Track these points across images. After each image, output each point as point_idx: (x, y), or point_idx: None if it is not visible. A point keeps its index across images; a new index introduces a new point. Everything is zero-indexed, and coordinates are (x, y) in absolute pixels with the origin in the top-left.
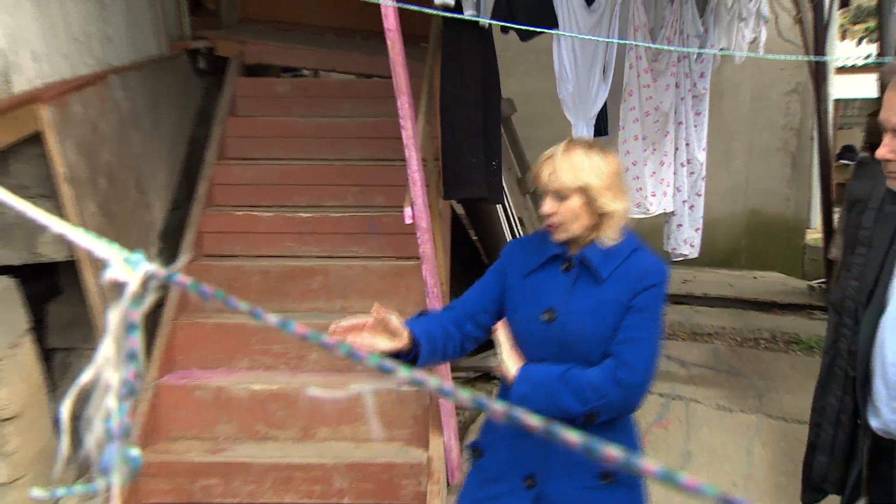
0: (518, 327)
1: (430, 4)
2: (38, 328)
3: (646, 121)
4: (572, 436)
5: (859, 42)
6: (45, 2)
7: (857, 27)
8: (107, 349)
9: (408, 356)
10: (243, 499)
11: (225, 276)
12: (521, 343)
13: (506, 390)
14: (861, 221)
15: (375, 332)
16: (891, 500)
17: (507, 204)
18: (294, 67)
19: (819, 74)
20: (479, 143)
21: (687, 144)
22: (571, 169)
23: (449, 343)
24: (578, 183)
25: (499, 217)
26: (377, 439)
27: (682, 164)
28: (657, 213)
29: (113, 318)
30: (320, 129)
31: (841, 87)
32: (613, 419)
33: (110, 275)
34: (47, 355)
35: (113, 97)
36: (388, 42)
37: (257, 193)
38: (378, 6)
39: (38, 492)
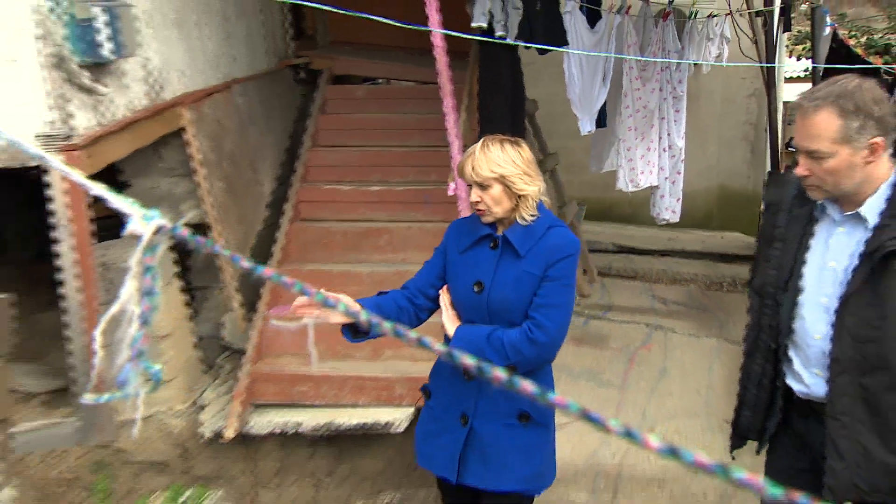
0: (456, 295)
1: (470, 27)
2: (183, 272)
3: (636, 116)
4: (499, 373)
5: (799, 58)
6: (187, 35)
7: (798, 47)
8: (129, 288)
9: (364, 327)
10: (329, 399)
11: (316, 234)
12: (459, 308)
13: (447, 344)
14: (776, 221)
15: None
16: (799, 441)
17: None
18: (370, 77)
19: (770, 82)
20: (508, 132)
21: (668, 134)
22: (489, 162)
23: (402, 314)
24: (496, 173)
25: None
26: (426, 358)
27: (665, 149)
28: (645, 188)
29: (133, 263)
30: (389, 123)
31: (787, 93)
32: (532, 370)
33: (130, 228)
34: (189, 292)
35: (234, 101)
36: (436, 56)
37: (340, 172)
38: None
39: (87, 398)
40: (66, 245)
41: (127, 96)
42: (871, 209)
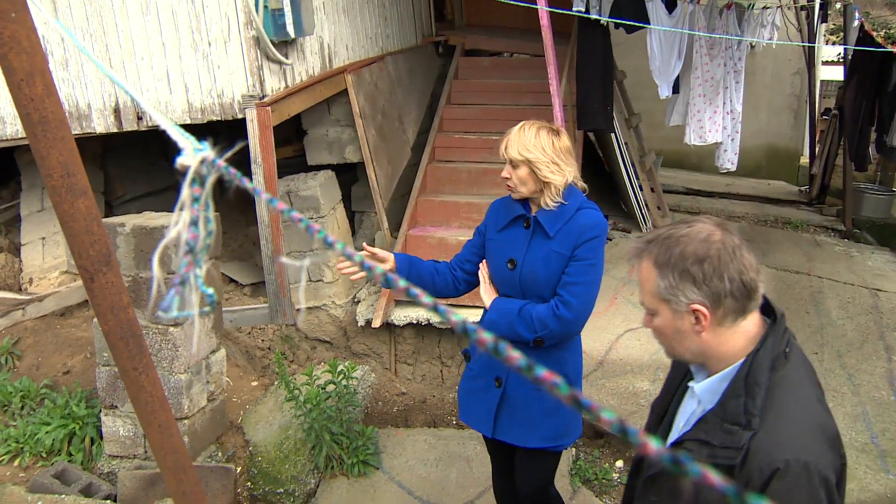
0: (492, 271)
1: (570, 10)
2: (346, 200)
3: (705, 85)
4: (514, 354)
5: (833, 44)
6: (353, 18)
7: (832, 37)
8: (181, 216)
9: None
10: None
11: (447, 173)
12: (495, 282)
13: (485, 314)
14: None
15: (371, 260)
16: None
17: (617, 134)
18: (495, 51)
19: (811, 63)
20: (600, 95)
21: (731, 100)
22: (520, 145)
23: (437, 277)
24: (524, 157)
25: (613, 142)
26: None
27: (728, 112)
28: (711, 143)
29: (184, 193)
30: (506, 87)
31: (824, 73)
32: (559, 342)
33: (181, 160)
34: (351, 215)
35: (387, 69)
36: (543, 32)
37: (467, 124)
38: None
39: (165, 314)
40: (259, 177)
41: (305, 65)
42: (704, 391)
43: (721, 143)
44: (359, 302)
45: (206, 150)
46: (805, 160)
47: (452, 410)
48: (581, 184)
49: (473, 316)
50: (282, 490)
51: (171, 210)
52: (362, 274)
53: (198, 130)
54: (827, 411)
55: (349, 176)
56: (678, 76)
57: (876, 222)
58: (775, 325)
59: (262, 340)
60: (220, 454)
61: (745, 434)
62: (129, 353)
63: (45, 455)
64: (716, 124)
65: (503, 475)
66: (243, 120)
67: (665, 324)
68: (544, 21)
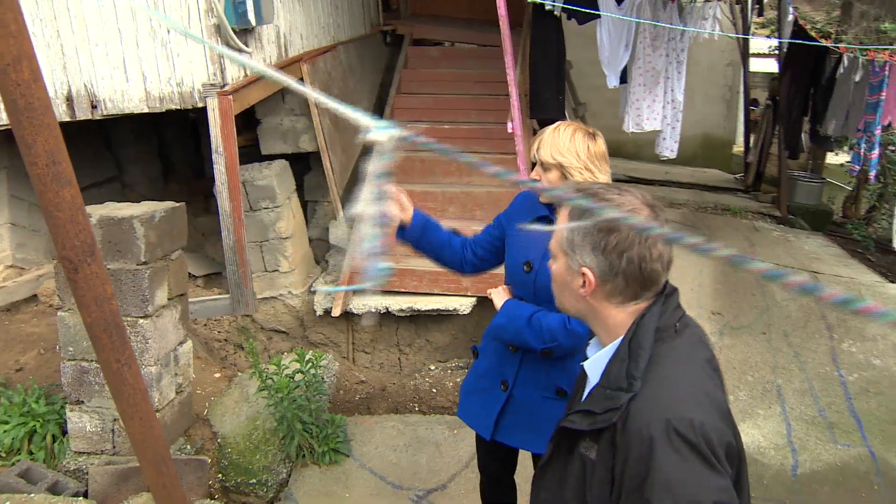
0: (509, 269)
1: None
2: (299, 190)
3: (646, 75)
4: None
5: (768, 37)
6: (307, 8)
7: (764, 30)
8: (366, 191)
9: (406, 228)
10: (410, 288)
11: (400, 161)
12: (511, 283)
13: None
14: None
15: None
16: None
17: None
18: (440, 41)
19: (744, 55)
20: (552, 84)
21: (672, 90)
22: (553, 148)
23: (446, 249)
24: (556, 160)
25: None
26: None
27: (669, 102)
28: (650, 130)
29: (370, 168)
30: (456, 76)
31: (753, 65)
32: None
33: (370, 136)
34: (304, 204)
35: (339, 58)
36: (500, 22)
37: (418, 113)
38: (492, 3)
39: (323, 287)
40: (221, 166)
41: (263, 54)
42: (593, 365)
43: (661, 131)
44: (315, 291)
45: (393, 128)
46: (738, 149)
47: (414, 397)
48: None
49: (433, 303)
50: (254, 481)
51: (118, 200)
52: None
53: (141, 120)
54: (719, 388)
55: (301, 165)
56: (626, 66)
57: (808, 208)
58: (662, 297)
59: (219, 332)
60: (189, 447)
61: (624, 396)
62: (113, 346)
63: (3, 455)
64: (654, 112)
65: (493, 480)
66: (204, 109)
67: (558, 273)
68: (502, 11)
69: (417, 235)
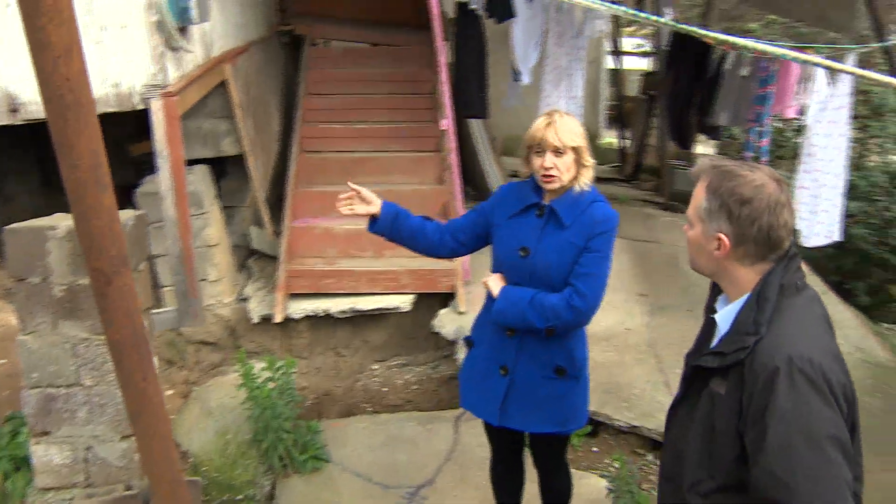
0: (502, 257)
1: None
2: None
3: (553, 73)
4: None
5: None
6: (223, 5)
7: (628, 28)
8: None
9: (377, 220)
10: (350, 290)
11: (318, 163)
12: (505, 270)
13: (491, 302)
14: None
15: (357, 200)
16: None
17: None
18: (339, 40)
19: (617, 54)
20: (476, 83)
21: (574, 87)
22: (569, 132)
23: (419, 236)
24: (574, 143)
25: (473, 127)
26: (420, 256)
27: (571, 98)
28: None
29: None
30: (363, 75)
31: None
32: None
33: None
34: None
35: (254, 57)
36: (432, 20)
37: (330, 114)
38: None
39: None
40: (166, 171)
41: (195, 54)
42: (724, 318)
43: None
44: (247, 299)
45: None
46: (602, 141)
47: (364, 398)
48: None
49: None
50: (241, 496)
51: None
52: (356, 212)
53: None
54: (833, 339)
55: (217, 170)
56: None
57: (687, 194)
58: (787, 258)
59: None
60: None
61: (751, 339)
62: (141, 362)
63: None
64: (561, 108)
65: (505, 462)
66: (145, 111)
67: (695, 237)
68: (435, 10)
69: (388, 226)
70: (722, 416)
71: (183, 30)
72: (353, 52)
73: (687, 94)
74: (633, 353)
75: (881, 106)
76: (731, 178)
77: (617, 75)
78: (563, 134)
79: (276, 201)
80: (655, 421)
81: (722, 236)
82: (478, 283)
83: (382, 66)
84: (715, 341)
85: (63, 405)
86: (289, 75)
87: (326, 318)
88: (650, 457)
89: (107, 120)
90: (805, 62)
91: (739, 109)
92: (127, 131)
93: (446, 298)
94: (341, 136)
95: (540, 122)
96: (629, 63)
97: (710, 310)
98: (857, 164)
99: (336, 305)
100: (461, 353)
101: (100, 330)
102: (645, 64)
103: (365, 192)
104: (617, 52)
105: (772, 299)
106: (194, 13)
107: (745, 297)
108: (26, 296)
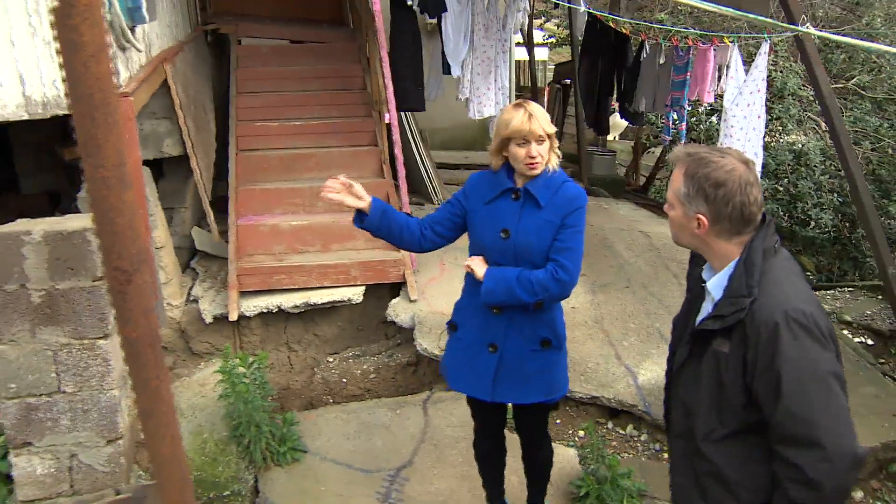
0: (483, 241)
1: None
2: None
3: (482, 65)
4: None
5: (541, 27)
6: (157, 10)
7: (537, 20)
8: None
9: (366, 215)
10: (301, 284)
11: (257, 162)
12: (486, 252)
13: (472, 284)
14: (691, 273)
15: (346, 192)
16: None
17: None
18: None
19: (529, 45)
20: (412, 76)
21: (501, 77)
22: (545, 120)
23: (405, 232)
24: (550, 130)
25: (403, 120)
26: (367, 248)
27: (499, 88)
28: (487, 116)
29: None
30: (292, 73)
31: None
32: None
33: None
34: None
35: (187, 57)
36: (375, 17)
37: (263, 112)
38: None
39: None
40: None
41: (139, 54)
42: (715, 286)
43: (495, 116)
44: (197, 300)
45: None
46: None
47: (325, 390)
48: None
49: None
50: (227, 492)
51: None
52: (344, 202)
53: None
54: (811, 290)
55: (154, 173)
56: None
57: (605, 179)
58: (764, 225)
59: None
60: (143, 473)
61: (747, 300)
62: (155, 360)
63: None
64: (489, 100)
65: (491, 437)
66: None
67: (676, 217)
68: (377, 6)
69: (377, 221)
70: (728, 371)
71: (132, 29)
72: (279, 51)
73: (605, 82)
74: (582, 329)
75: (782, 89)
76: (706, 165)
77: (532, 67)
78: (544, 123)
79: (215, 201)
80: (612, 391)
81: (701, 216)
82: (423, 272)
83: (310, 63)
84: (709, 306)
85: (44, 414)
86: (215, 75)
87: (278, 315)
88: (610, 424)
89: (29, 125)
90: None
91: (657, 95)
92: (49, 135)
93: (393, 289)
94: (277, 133)
95: (520, 116)
96: (539, 55)
97: (697, 279)
98: (764, 145)
99: (289, 300)
100: (423, 340)
101: (82, 334)
102: (546, 55)
103: (356, 186)
104: (529, 44)
105: (758, 263)
106: (145, 13)
107: (732, 265)
108: (2, 304)
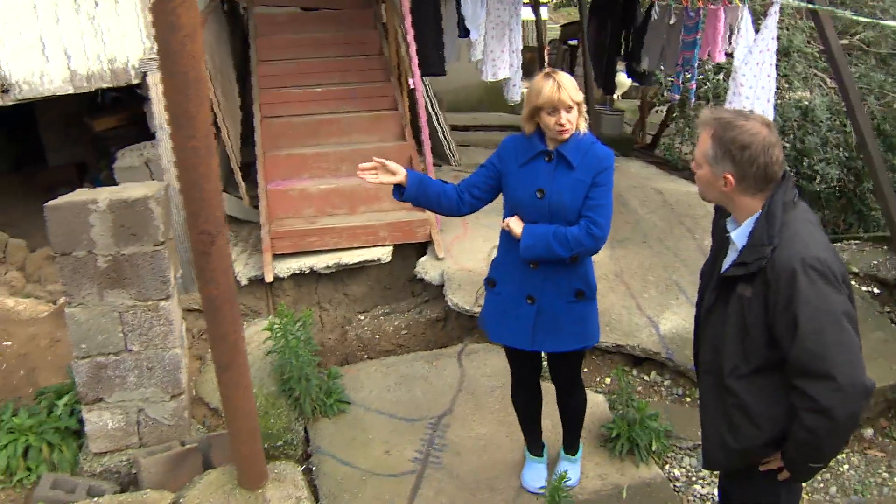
0: (519, 201)
1: None
2: None
3: (496, 28)
4: None
5: None
6: None
7: None
8: None
9: (404, 188)
10: (332, 246)
11: (281, 127)
12: (522, 211)
13: (508, 242)
14: (717, 224)
15: (382, 171)
16: None
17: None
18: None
19: (536, 6)
20: (433, 41)
21: (515, 40)
22: (574, 89)
23: (443, 198)
24: (579, 98)
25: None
26: (393, 209)
27: (513, 51)
28: (502, 79)
29: None
30: (311, 40)
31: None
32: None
33: None
34: None
35: (211, 27)
36: None
37: (285, 79)
38: None
39: None
40: (167, 144)
41: None
42: (738, 236)
43: (510, 78)
44: (232, 263)
45: None
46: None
47: (359, 346)
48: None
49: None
50: (281, 442)
51: None
52: (383, 182)
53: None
54: (827, 238)
55: None
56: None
57: (614, 138)
58: (784, 180)
59: None
60: (200, 427)
61: (768, 249)
62: (234, 316)
63: (2, 478)
64: (504, 62)
65: (525, 384)
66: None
67: (704, 175)
68: None
69: (415, 193)
70: (751, 312)
71: None
72: (295, 18)
73: (613, 42)
74: (603, 283)
75: (788, 46)
76: (732, 129)
77: (539, 29)
78: (573, 92)
79: (242, 167)
80: (636, 340)
81: (728, 175)
82: (448, 231)
83: (327, 31)
84: (733, 255)
85: (113, 372)
86: (234, 44)
87: (309, 276)
88: (634, 372)
89: (58, 99)
90: None
91: (668, 55)
92: (74, 109)
93: (420, 248)
94: (299, 99)
95: (550, 87)
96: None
97: (722, 230)
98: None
99: (320, 262)
100: (453, 295)
101: (145, 296)
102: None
103: (390, 164)
104: (535, 4)
105: (778, 215)
106: None
107: (754, 217)
108: (72, 269)
